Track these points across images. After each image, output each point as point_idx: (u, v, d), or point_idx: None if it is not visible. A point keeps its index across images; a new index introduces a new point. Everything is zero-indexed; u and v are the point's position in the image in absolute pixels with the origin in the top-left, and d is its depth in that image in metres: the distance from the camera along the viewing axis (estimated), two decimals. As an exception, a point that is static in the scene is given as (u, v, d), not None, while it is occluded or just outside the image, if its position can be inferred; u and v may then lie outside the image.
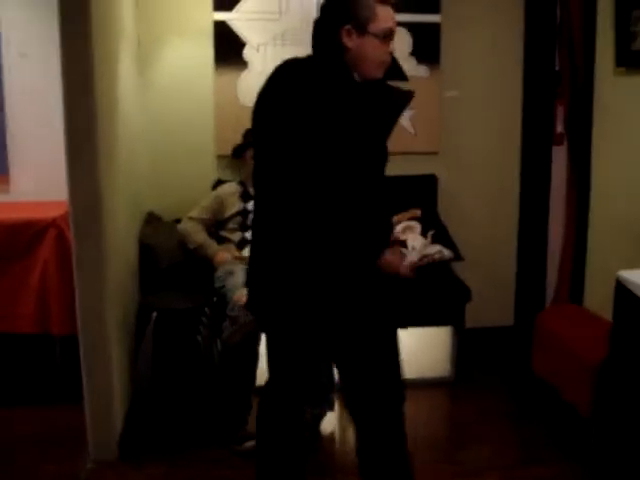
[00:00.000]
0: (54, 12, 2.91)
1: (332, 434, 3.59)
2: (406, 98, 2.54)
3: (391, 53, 2.38)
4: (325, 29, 2.40)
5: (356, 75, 2.38)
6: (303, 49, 4.28)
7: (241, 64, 4.25)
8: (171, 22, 4.22)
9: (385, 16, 2.33)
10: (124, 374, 3.45)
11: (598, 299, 3.95)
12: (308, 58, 2.46)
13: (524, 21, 4.40)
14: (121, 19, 3.67)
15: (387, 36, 2.35)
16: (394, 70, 2.48)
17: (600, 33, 3.92)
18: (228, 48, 4.23)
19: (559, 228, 4.40)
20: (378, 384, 2.45)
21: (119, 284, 3.37)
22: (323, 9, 2.43)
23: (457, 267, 4.18)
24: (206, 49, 4.24)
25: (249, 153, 4.00)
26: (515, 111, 4.50)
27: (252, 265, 2.49)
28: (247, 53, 4.25)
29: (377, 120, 2.40)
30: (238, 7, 4.19)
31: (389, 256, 2.36)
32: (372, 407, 2.47)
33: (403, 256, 2.47)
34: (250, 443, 3.35)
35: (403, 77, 2.53)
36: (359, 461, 2.54)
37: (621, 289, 2.81)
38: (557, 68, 4.31)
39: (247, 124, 4.06)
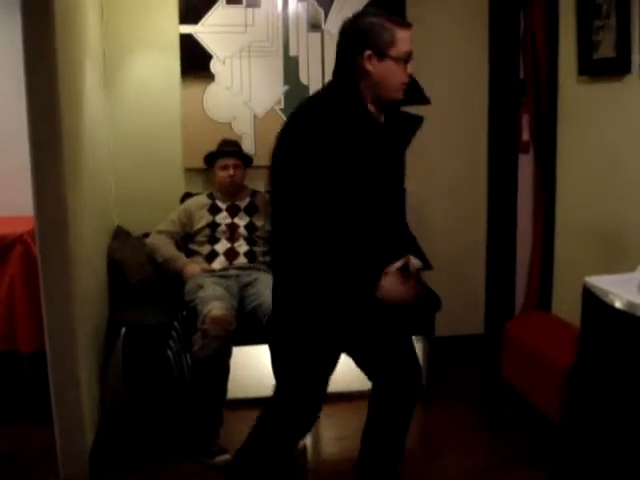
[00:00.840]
0: (18, 25, 2.89)
1: (303, 444, 3.58)
2: (416, 123, 2.61)
3: (411, 76, 2.46)
4: (345, 55, 2.47)
5: (370, 105, 2.47)
6: (269, 61, 4.36)
7: (208, 77, 4.25)
8: (137, 35, 4.20)
9: (404, 39, 2.41)
10: (94, 390, 3.42)
11: (566, 306, 3.99)
12: (323, 93, 2.56)
13: (488, 31, 4.44)
14: (86, 33, 3.65)
15: (407, 59, 2.43)
16: (416, 93, 2.61)
17: (563, 42, 3.97)
18: (195, 61, 4.22)
19: (527, 236, 4.43)
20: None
21: (87, 300, 3.34)
22: (343, 35, 2.50)
23: (427, 276, 4.19)
24: (172, 62, 4.22)
25: (219, 163, 4.00)
26: (481, 120, 4.54)
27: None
28: (214, 65, 4.24)
29: (388, 151, 2.52)
30: (204, 20, 4.19)
31: (386, 285, 2.46)
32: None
33: (404, 280, 2.54)
34: (221, 457, 3.35)
35: (425, 100, 2.60)
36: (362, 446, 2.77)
37: (588, 295, 2.83)
38: (522, 77, 4.36)
39: (214, 136, 4.13)
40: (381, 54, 2.40)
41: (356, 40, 2.43)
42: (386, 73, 2.42)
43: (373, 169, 2.45)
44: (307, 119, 2.43)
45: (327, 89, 2.56)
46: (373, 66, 2.40)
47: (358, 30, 2.44)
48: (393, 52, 2.40)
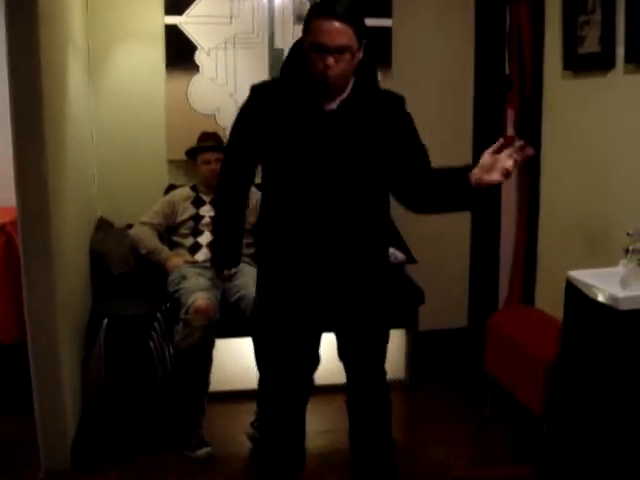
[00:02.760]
0: (1, 15, 2.87)
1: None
2: (397, 103, 2.60)
3: (329, 66, 2.33)
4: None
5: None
6: (254, 53, 4.34)
7: (192, 68, 4.23)
8: (122, 26, 4.18)
9: (317, 30, 2.33)
10: (75, 381, 3.41)
11: (549, 299, 4.00)
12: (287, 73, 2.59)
13: (474, 27, 4.45)
14: (70, 23, 3.63)
15: (317, 50, 2.34)
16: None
17: (548, 37, 3.97)
18: (179, 52, 4.21)
19: (511, 230, 4.45)
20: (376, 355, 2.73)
21: (69, 291, 3.32)
22: None
23: (410, 270, 4.20)
24: (157, 53, 4.21)
25: (201, 157, 3.99)
26: (466, 115, 4.55)
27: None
28: (198, 57, 4.23)
29: (349, 134, 2.48)
30: (189, 11, 4.17)
31: None
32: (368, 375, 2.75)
33: None
34: (202, 451, 3.35)
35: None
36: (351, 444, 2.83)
37: (571, 289, 2.84)
38: (507, 72, 4.37)
39: (198, 128, 4.12)
40: (305, 42, 2.40)
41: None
42: (308, 60, 2.38)
43: (302, 146, 2.47)
44: (260, 88, 2.59)
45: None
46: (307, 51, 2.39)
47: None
48: (305, 42, 2.39)
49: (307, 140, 2.46)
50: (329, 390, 3.40)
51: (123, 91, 4.24)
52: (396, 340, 4.08)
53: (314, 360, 2.74)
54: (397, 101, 2.58)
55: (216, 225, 2.94)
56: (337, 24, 2.30)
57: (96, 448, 3.38)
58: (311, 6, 2.45)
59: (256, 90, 2.56)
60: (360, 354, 2.71)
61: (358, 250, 2.56)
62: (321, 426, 3.64)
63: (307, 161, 2.47)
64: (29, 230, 3.01)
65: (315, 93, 2.44)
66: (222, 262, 2.93)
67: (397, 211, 4.37)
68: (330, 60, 2.32)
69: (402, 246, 4.11)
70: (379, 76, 4.14)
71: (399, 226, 4.08)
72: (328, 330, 2.72)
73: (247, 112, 2.58)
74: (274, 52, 4.26)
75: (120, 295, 3.72)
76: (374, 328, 2.69)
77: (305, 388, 2.76)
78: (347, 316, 2.64)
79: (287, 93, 2.50)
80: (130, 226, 4.01)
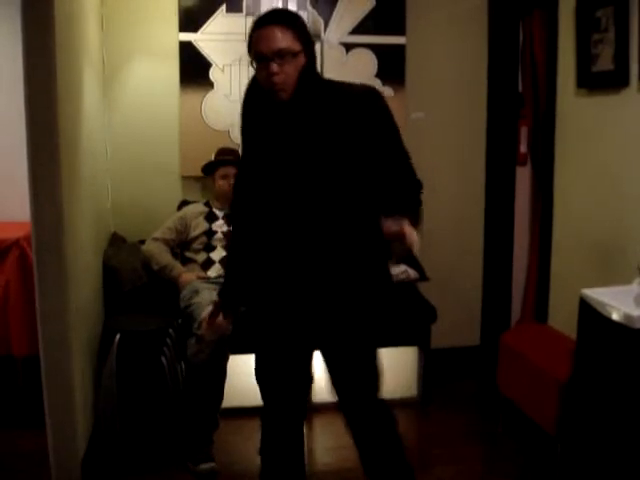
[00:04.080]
0: (18, 32, 2.89)
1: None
2: (364, 97, 2.49)
3: (274, 73, 2.32)
4: None
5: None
6: (268, 70, 4.31)
7: (207, 84, 4.25)
8: (137, 43, 4.21)
9: (257, 39, 2.36)
10: (87, 396, 3.40)
11: (562, 317, 3.98)
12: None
13: (487, 43, 4.46)
14: (86, 39, 3.65)
15: (260, 60, 2.35)
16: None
17: (562, 55, 3.97)
18: (194, 69, 4.23)
19: (524, 247, 4.44)
20: (365, 375, 2.59)
21: (82, 305, 3.33)
22: None
23: (423, 287, 4.19)
24: (172, 70, 4.23)
25: (219, 172, 4.00)
26: (479, 132, 4.55)
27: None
28: (213, 73, 4.25)
29: (313, 133, 2.41)
30: (204, 28, 4.20)
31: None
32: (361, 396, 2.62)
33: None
34: (206, 465, 3.34)
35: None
36: (361, 456, 2.70)
37: (585, 307, 2.83)
38: (520, 90, 4.37)
39: (212, 144, 4.13)
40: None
41: None
42: (256, 75, 2.41)
43: (270, 150, 2.45)
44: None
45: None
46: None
47: None
48: (250, 53, 2.39)
49: (270, 134, 2.45)
50: (335, 407, 3.39)
51: (137, 107, 4.26)
52: (408, 358, 4.08)
53: (306, 379, 2.67)
54: (365, 94, 2.46)
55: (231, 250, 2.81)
56: (275, 29, 2.32)
57: (107, 463, 3.38)
58: (252, 22, 2.43)
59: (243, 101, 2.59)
60: (345, 374, 2.59)
61: (338, 264, 2.44)
62: (329, 443, 3.64)
63: (275, 159, 2.45)
64: (43, 244, 3.01)
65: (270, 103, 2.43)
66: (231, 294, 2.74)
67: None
68: (273, 67, 2.32)
69: (415, 263, 4.10)
70: (393, 93, 4.18)
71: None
72: (317, 348, 2.64)
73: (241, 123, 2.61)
74: (288, 69, 4.27)
75: (132, 310, 3.73)
76: (357, 346, 2.55)
77: (300, 408, 2.70)
78: (329, 333, 2.54)
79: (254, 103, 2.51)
80: (143, 242, 4.02)
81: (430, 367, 4.11)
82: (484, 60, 4.48)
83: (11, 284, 3.71)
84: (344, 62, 4.35)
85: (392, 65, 4.38)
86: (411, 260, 4.07)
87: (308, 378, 2.69)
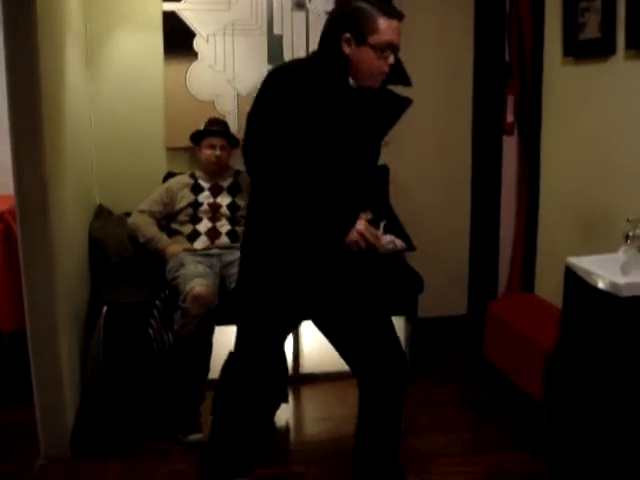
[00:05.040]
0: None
1: (286, 425, 3.58)
2: (404, 104, 2.66)
3: (391, 64, 2.47)
4: (328, 33, 2.52)
5: (352, 81, 2.51)
6: (253, 39, 4.31)
7: (191, 54, 4.21)
8: (120, 13, 4.15)
9: (387, 29, 2.42)
10: (74, 369, 3.40)
11: (549, 286, 4.00)
12: (307, 60, 2.63)
13: (474, 12, 4.43)
14: (68, 11, 3.60)
15: (385, 49, 2.44)
16: (399, 75, 2.59)
17: (548, 24, 3.95)
18: (178, 39, 4.17)
19: (510, 217, 4.44)
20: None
21: (68, 278, 3.32)
22: (331, 13, 2.62)
23: (410, 257, 4.19)
24: (155, 40, 4.17)
25: (206, 142, 3.97)
26: (466, 102, 4.52)
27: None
28: (197, 43, 4.20)
29: (369, 124, 2.57)
30: (187, -3, 4.15)
31: (357, 228, 2.54)
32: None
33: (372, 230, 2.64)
34: (194, 436, 3.36)
35: (407, 82, 2.64)
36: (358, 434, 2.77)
37: (570, 275, 2.84)
38: (507, 59, 4.35)
39: (197, 115, 4.10)
40: (360, 39, 2.43)
41: (340, 21, 2.48)
42: (361, 59, 2.45)
43: (334, 133, 2.48)
44: (284, 74, 2.51)
45: (312, 56, 2.64)
46: (350, 50, 2.45)
47: (345, 12, 2.49)
48: (372, 40, 2.42)
49: (337, 116, 2.49)
50: (325, 378, 3.41)
51: (121, 78, 4.21)
52: (395, 327, 4.08)
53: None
54: (402, 102, 2.66)
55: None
56: (399, 24, 2.46)
57: (96, 435, 3.39)
58: (370, 4, 2.44)
59: (283, 75, 2.52)
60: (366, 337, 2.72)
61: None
62: (318, 413, 3.65)
63: (337, 139, 2.50)
64: (27, 218, 3.00)
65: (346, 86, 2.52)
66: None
67: (397, 199, 4.39)
68: (393, 59, 2.47)
69: (401, 233, 4.09)
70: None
71: (398, 213, 4.07)
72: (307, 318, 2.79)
73: (283, 97, 2.45)
74: (273, 38, 4.23)
75: (119, 283, 3.72)
76: (368, 311, 2.75)
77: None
78: (340, 301, 2.69)
79: (314, 77, 2.49)
80: (128, 214, 3.99)
81: (417, 336, 4.12)
82: (471, 28, 4.44)
83: (-4, 258, 3.68)
84: (330, 31, 4.31)
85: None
86: (398, 230, 4.07)
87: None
